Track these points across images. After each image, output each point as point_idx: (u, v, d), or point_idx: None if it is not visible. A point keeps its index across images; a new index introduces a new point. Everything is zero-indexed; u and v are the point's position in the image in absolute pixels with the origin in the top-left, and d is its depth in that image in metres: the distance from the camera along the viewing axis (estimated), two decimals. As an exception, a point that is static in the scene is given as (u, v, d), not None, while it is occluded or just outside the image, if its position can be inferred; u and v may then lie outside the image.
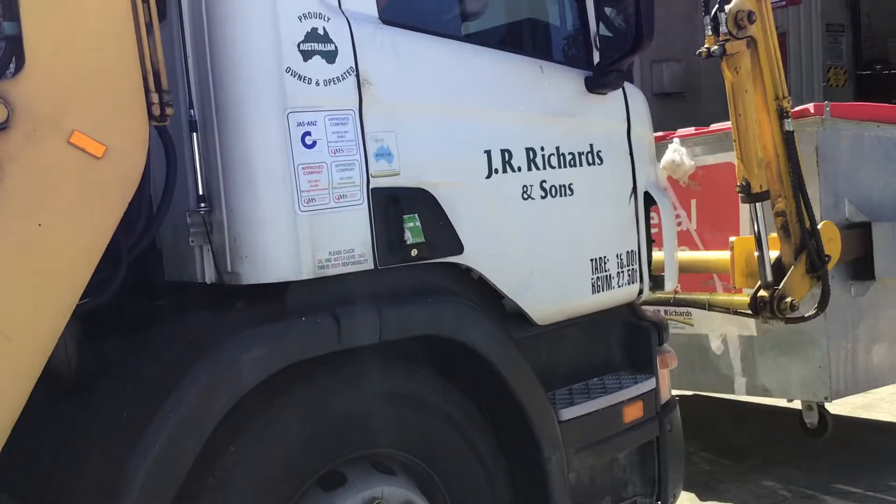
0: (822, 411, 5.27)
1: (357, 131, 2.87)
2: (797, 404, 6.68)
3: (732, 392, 5.48)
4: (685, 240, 5.30)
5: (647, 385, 3.67)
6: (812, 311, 4.56)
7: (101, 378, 2.77)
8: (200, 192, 2.80)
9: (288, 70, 2.74)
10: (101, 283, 2.51)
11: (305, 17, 2.79)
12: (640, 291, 3.76)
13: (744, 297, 4.59)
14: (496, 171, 3.21)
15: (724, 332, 5.27)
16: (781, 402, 6.77)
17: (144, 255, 2.90)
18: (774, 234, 4.51)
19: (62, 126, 2.31)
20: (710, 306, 4.86)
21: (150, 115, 2.50)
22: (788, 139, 4.39)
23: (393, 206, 2.93)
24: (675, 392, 3.98)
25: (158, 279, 3.05)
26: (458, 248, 3.10)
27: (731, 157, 4.86)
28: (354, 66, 2.87)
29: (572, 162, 3.45)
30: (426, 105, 3.06)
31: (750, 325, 5.08)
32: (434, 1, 3.49)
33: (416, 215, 2.97)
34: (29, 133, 2.27)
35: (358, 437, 2.88)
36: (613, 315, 3.74)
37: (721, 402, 7.02)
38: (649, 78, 12.93)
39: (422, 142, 3.02)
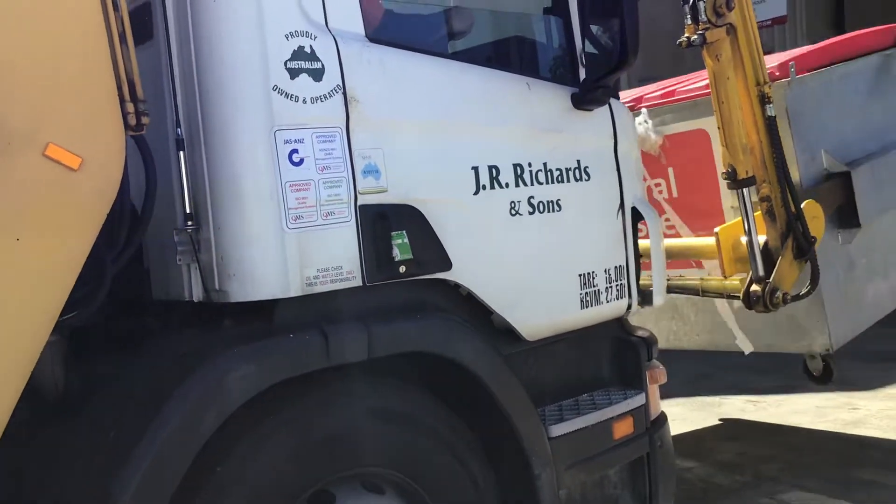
0: (826, 358, 5.27)
1: (344, 148, 2.87)
2: (790, 420, 6.72)
3: (737, 349, 5.44)
4: (665, 210, 5.28)
5: (637, 401, 3.66)
6: (805, 289, 4.57)
7: (89, 397, 2.75)
8: (188, 210, 2.79)
9: (275, 88, 2.75)
10: (85, 296, 2.49)
11: (292, 35, 2.80)
12: (629, 306, 3.77)
13: (735, 281, 4.61)
14: (484, 187, 3.22)
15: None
16: (772, 420, 6.81)
17: (131, 274, 2.90)
18: (758, 213, 4.52)
19: (37, 139, 2.30)
20: (702, 292, 4.88)
21: (126, 125, 2.48)
22: (771, 124, 4.42)
23: (381, 222, 2.93)
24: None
25: (146, 298, 3.04)
26: (447, 264, 3.10)
27: (702, 123, 4.89)
28: (341, 84, 2.88)
29: (560, 178, 3.47)
30: (413, 122, 3.07)
31: None
32: (421, 19, 3.51)
33: (404, 232, 2.98)
34: (3, 147, 2.25)
35: (347, 456, 2.86)
36: (602, 330, 3.74)
37: (713, 418, 7.03)
38: (637, 97, 12.98)
39: (409, 158, 3.03)
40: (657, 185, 5.34)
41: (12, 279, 2.30)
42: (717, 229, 4.65)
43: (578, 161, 3.55)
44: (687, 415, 7.03)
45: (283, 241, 2.76)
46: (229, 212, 2.76)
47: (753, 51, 4.36)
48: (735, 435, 6.59)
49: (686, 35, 4.27)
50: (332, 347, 2.77)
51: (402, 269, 2.97)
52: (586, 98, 3.51)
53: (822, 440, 6.26)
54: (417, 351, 3.04)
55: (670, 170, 5.32)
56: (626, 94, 5.54)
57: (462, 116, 3.23)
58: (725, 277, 4.67)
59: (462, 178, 3.18)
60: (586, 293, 3.54)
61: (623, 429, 3.57)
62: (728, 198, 5.01)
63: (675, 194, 5.36)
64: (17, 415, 2.37)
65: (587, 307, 3.55)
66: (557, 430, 3.34)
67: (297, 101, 2.79)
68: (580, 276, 3.53)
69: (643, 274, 3.91)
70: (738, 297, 4.58)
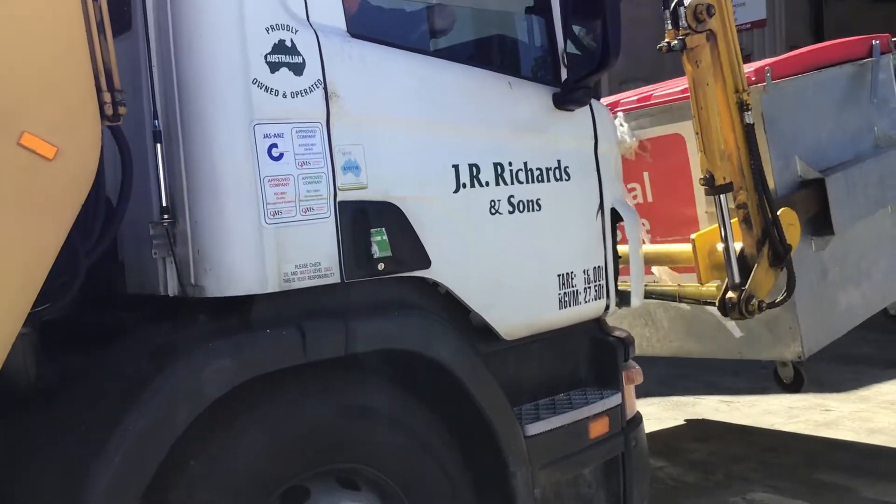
0: (797, 366, 5.32)
1: (324, 144, 2.86)
2: (762, 421, 6.78)
3: (711, 355, 5.48)
4: (641, 213, 5.27)
5: (613, 400, 3.67)
6: (781, 297, 4.61)
7: (61, 390, 2.72)
8: (164, 204, 2.77)
9: (254, 81, 2.73)
10: (59, 287, 2.46)
11: (273, 28, 2.78)
12: (607, 307, 3.78)
13: (712, 288, 4.63)
14: (464, 185, 3.22)
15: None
16: (745, 421, 6.87)
17: (106, 267, 2.87)
18: (734, 220, 4.54)
19: (11, 128, 2.26)
20: (680, 298, 4.91)
21: (103, 115, 2.45)
22: (749, 132, 4.45)
23: (360, 219, 2.92)
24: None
25: (120, 291, 3.01)
26: (426, 262, 3.09)
27: (678, 128, 4.91)
28: (322, 79, 2.86)
29: (540, 177, 3.47)
30: (394, 119, 3.06)
31: None
32: (403, 15, 3.50)
33: (384, 229, 2.96)
34: None
35: (322, 452, 2.85)
36: (580, 330, 3.75)
37: (686, 418, 7.08)
38: (617, 98, 13.04)
39: (390, 155, 3.02)
40: (632, 189, 5.35)
41: None
42: (693, 236, 4.68)
43: (559, 161, 3.55)
44: (661, 414, 7.08)
45: (261, 236, 2.74)
46: (206, 206, 2.73)
47: (733, 58, 4.39)
48: (707, 435, 6.64)
49: (666, 40, 4.30)
50: (309, 343, 2.76)
51: (381, 266, 2.96)
52: (567, 98, 3.51)
53: (794, 441, 6.32)
54: (395, 348, 3.03)
55: (645, 174, 5.36)
56: (603, 100, 5.56)
57: (443, 114, 3.22)
58: (702, 284, 4.70)
59: (442, 175, 3.17)
60: (565, 293, 3.55)
61: (599, 428, 3.58)
62: (703, 203, 5.05)
63: (650, 199, 5.39)
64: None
65: (565, 307, 3.56)
66: (533, 428, 3.34)
67: (277, 95, 2.77)
68: (559, 276, 3.54)
69: (621, 279, 3.92)
70: (713, 304, 4.61)
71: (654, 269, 5.22)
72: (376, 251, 2.94)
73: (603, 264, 3.73)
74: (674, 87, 5.28)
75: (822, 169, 5.06)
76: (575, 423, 3.49)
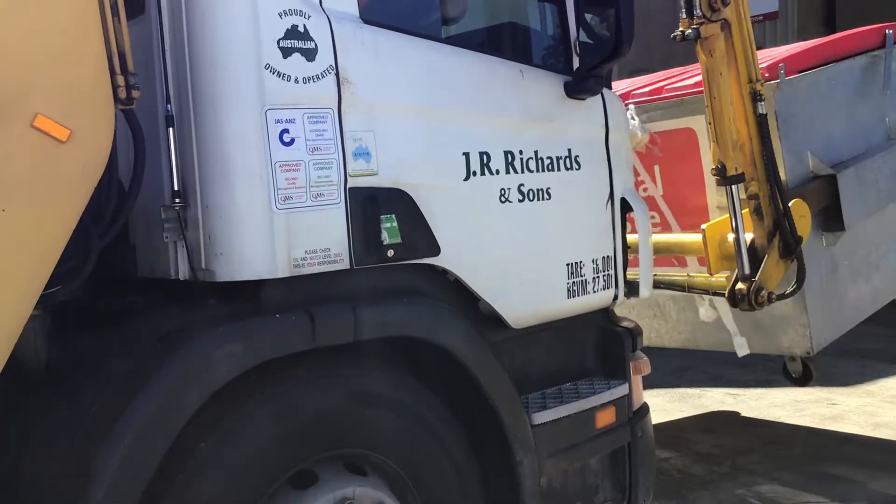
0: (805, 361, 5.31)
1: (336, 130, 2.86)
2: (768, 414, 6.78)
3: (719, 348, 5.46)
4: (651, 206, 5.25)
5: (620, 391, 3.68)
6: (790, 288, 4.60)
7: (72, 373, 2.73)
8: (175, 188, 2.77)
9: (267, 67, 2.73)
10: (71, 270, 2.47)
11: (286, 14, 2.77)
12: (615, 297, 3.78)
13: (721, 279, 4.63)
14: (474, 173, 3.21)
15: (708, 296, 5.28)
16: (751, 413, 6.87)
17: (117, 250, 2.88)
18: (745, 211, 4.53)
19: (25, 110, 2.27)
20: (689, 288, 4.90)
21: (116, 99, 2.45)
22: (762, 122, 4.42)
23: (370, 205, 2.92)
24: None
25: (131, 275, 3.02)
26: (435, 249, 3.09)
27: (689, 122, 4.88)
28: (334, 65, 2.86)
29: (550, 166, 3.47)
30: (406, 105, 3.06)
31: None
32: (415, 2, 3.49)
33: (394, 216, 2.97)
34: None
35: (330, 437, 2.86)
36: (588, 320, 3.75)
37: (692, 410, 7.08)
38: (627, 88, 12.97)
39: (400, 142, 3.02)
40: (643, 181, 5.34)
41: None
42: (704, 226, 4.66)
43: (569, 150, 3.55)
44: (667, 406, 7.08)
45: (272, 221, 2.74)
46: (218, 190, 2.74)
47: (747, 47, 4.36)
48: (713, 427, 6.64)
49: (680, 29, 4.27)
50: (319, 329, 2.77)
51: (391, 253, 2.96)
52: (579, 87, 3.51)
53: (800, 434, 6.32)
54: (403, 335, 3.04)
55: (656, 167, 5.34)
56: (614, 88, 5.54)
57: (454, 101, 3.21)
58: (711, 275, 4.69)
59: (453, 163, 3.17)
60: (573, 282, 3.55)
61: (605, 418, 3.59)
62: (714, 197, 5.03)
63: (660, 191, 5.38)
64: (-1, 387, 2.36)
65: (574, 296, 3.56)
66: (540, 417, 3.35)
67: (289, 80, 2.77)
68: (568, 265, 3.54)
69: (630, 270, 3.91)
70: (723, 295, 4.59)
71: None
72: (386, 238, 2.94)
73: (612, 254, 3.72)
74: (686, 79, 5.25)
75: (835, 163, 5.05)
76: (582, 413, 3.49)
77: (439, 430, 3.11)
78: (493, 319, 3.35)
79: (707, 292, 4.80)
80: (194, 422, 2.55)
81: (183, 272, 2.84)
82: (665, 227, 5.36)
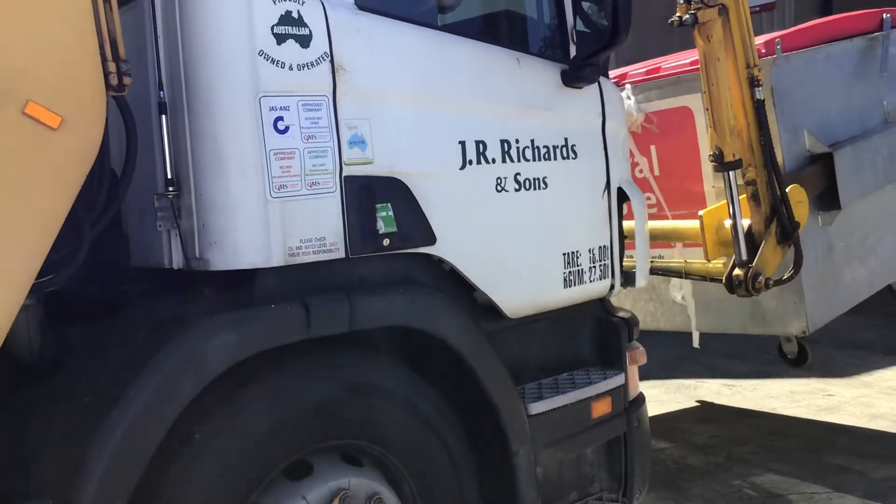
0: (801, 341, 5.30)
1: (330, 118, 2.83)
2: (764, 405, 6.78)
3: (716, 329, 5.46)
4: (646, 188, 5.25)
5: (616, 381, 3.67)
6: (788, 274, 4.59)
7: (65, 363, 2.72)
8: (169, 176, 2.75)
9: (261, 53, 2.70)
10: (63, 259, 2.45)
11: (279, 0, 2.74)
12: (612, 287, 3.77)
13: (718, 265, 4.63)
14: (470, 162, 3.19)
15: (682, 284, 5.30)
16: (747, 404, 6.87)
17: (111, 240, 2.85)
18: (743, 197, 4.52)
19: (16, 96, 2.24)
20: (686, 274, 4.89)
21: (108, 85, 2.43)
22: (759, 108, 4.41)
23: (366, 194, 2.90)
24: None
25: (124, 264, 3.00)
26: (431, 238, 3.07)
27: (686, 100, 4.87)
28: (329, 52, 2.83)
29: (547, 155, 3.45)
30: (401, 93, 3.03)
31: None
32: (411, -11, 3.46)
33: (389, 204, 2.95)
34: None
35: (325, 428, 2.84)
36: (584, 310, 3.74)
37: (688, 401, 7.08)
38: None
39: (396, 130, 2.99)
40: (639, 162, 5.32)
41: None
42: (701, 212, 4.65)
43: (566, 139, 3.53)
44: (662, 396, 7.09)
45: (267, 209, 2.72)
46: (211, 178, 2.71)
47: (745, 32, 4.34)
48: (709, 418, 6.64)
49: (678, 14, 4.25)
50: (314, 319, 2.75)
51: (386, 242, 2.94)
52: (576, 75, 3.49)
53: (796, 425, 6.32)
54: (399, 325, 3.02)
55: (653, 147, 5.31)
56: (610, 72, 5.51)
57: (450, 90, 3.19)
58: (709, 261, 4.68)
59: (449, 152, 3.15)
60: (570, 272, 3.53)
61: (601, 408, 3.58)
62: (710, 178, 5.02)
63: (657, 172, 5.35)
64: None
65: (570, 286, 3.55)
66: (536, 407, 3.34)
67: (283, 67, 2.74)
68: (564, 254, 3.52)
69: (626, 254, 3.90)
70: (720, 281, 4.59)
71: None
72: (381, 227, 2.92)
73: (608, 244, 3.71)
74: (682, 59, 5.23)
75: (831, 143, 5.03)
76: (578, 403, 3.48)
77: (435, 421, 3.09)
78: (489, 309, 3.34)
79: (705, 278, 4.80)
80: (189, 412, 2.53)
81: (177, 261, 2.81)
82: (660, 209, 5.35)
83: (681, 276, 4.93)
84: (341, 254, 2.86)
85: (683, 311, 5.48)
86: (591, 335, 3.80)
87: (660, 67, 5.32)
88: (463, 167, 3.18)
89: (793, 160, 4.88)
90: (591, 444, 3.63)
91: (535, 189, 3.40)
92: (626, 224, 3.89)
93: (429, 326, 3.05)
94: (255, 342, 2.66)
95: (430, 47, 3.16)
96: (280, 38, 2.73)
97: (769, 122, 4.50)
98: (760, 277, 4.43)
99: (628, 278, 3.87)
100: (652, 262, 4.60)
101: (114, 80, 2.44)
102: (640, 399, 3.89)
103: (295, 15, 2.77)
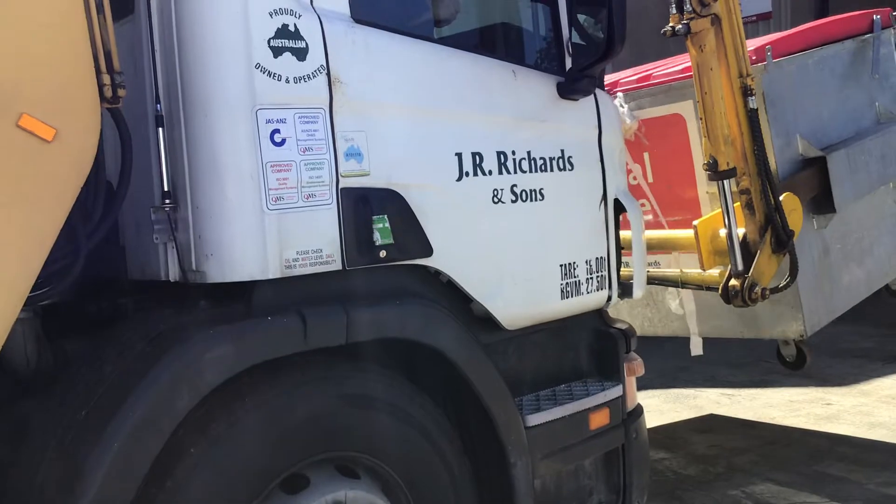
0: (799, 344, 5.30)
1: (327, 130, 2.84)
2: (763, 414, 6.77)
3: (712, 334, 5.46)
4: (640, 194, 5.25)
5: (614, 392, 3.67)
6: (784, 282, 4.59)
7: (61, 376, 2.71)
8: (165, 189, 2.75)
9: (257, 66, 2.71)
10: (60, 271, 2.45)
11: (276, 13, 2.76)
12: (609, 298, 3.77)
13: (714, 274, 4.63)
14: (467, 173, 3.20)
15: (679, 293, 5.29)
16: (746, 414, 6.86)
17: (107, 252, 2.85)
18: (737, 205, 4.52)
19: (10, 109, 2.25)
20: (682, 283, 4.90)
21: (102, 97, 2.43)
22: (752, 117, 4.42)
23: (362, 206, 2.90)
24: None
25: (121, 277, 3.00)
26: (428, 250, 3.08)
27: (677, 107, 4.88)
28: (325, 65, 2.84)
29: (543, 167, 3.45)
30: (397, 105, 3.04)
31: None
32: (407, 2, 3.48)
33: (386, 216, 2.95)
34: None
35: (322, 440, 2.84)
36: (582, 321, 3.74)
37: (687, 411, 7.07)
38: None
39: (392, 142, 3.00)
40: (632, 169, 5.32)
41: None
42: (695, 223, 4.66)
43: (562, 150, 3.53)
44: (661, 407, 7.07)
45: (263, 221, 2.72)
46: (208, 191, 2.72)
47: (737, 42, 4.35)
48: (708, 428, 6.63)
49: (671, 24, 4.26)
50: (310, 331, 2.75)
51: (383, 254, 2.95)
52: (572, 87, 3.50)
53: (795, 435, 6.31)
54: (396, 337, 3.02)
55: (646, 154, 5.31)
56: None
57: (447, 102, 3.20)
58: (704, 270, 4.68)
59: (445, 163, 3.16)
60: (567, 283, 3.53)
61: (599, 420, 3.58)
62: (704, 183, 5.02)
63: (650, 179, 5.36)
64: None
65: (567, 297, 3.55)
66: (534, 419, 3.33)
67: (279, 80, 2.75)
68: (561, 266, 3.52)
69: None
70: (716, 290, 4.59)
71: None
72: (378, 239, 2.92)
73: (605, 255, 3.71)
74: (673, 66, 5.24)
75: (824, 147, 5.02)
76: (576, 415, 3.48)
77: (433, 432, 3.09)
78: (486, 321, 3.34)
79: (701, 287, 4.80)
80: (185, 425, 2.52)
81: (173, 274, 2.82)
82: (655, 216, 5.35)
83: (677, 286, 4.94)
84: (338, 266, 2.86)
85: (680, 318, 5.47)
86: (589, 346, 3.80)
87: (651, 75, 5.33)
88: (459, 179, 3.18)
89: (786, 165, 4.88)
90: (589, 456, 3.62)
91: (531, 200, 3.40)
92: (623, 234, 3.90)
93: (426, 338, 3.05)
94: (251, 354, 2.65)
95: (427, 60, 3.17)
96: (277, 51, 2.74)
97: (762, 127, 4.50)
98: (757, 288, 4.44)
99: (625, 289, 3.87)
100: (649, 271, 4.62)
101: (108, 92, 2.44)
102: (639, 410, 3.88)
103: (291, 28, 2.78)
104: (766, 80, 4.77)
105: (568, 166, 3.56)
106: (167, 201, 2.75)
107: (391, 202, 2.97)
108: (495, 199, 3.29)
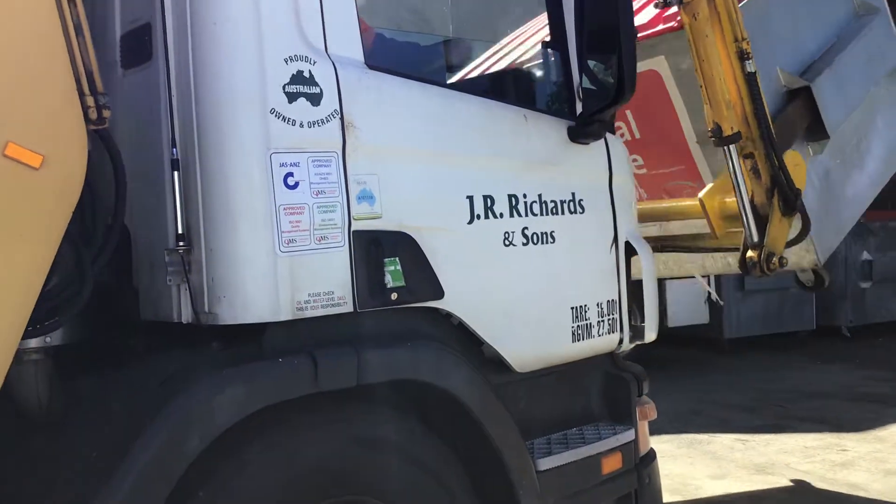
0: (815, 268, 5.22)
1: (340, 173, 2.87)
2: (778, 460, 6.68)
3: (720, 272, 5.35)
4: (632, 150, 4.99)
5: (626, 436, 3.64)
6: (795, 235, 4.51)
7: (72, 416, 2.72)
8: (180, 231, 2.78)
9: (272, 111, 2.75)
10: (67, 300, 2.44)
11: (291, 59, 2.81)
12: (620, 341, 3.76)
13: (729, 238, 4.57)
14: (478, 216, 3.22)
15: None
16: (760, 459, 6.78)
17: (120, 293, 2.88)
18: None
19: None
20: (698, 249, 4.85)
21: (87, 119, 2.41)
22: (751, 80, 4.36)
23: (374, 248, 2.92)
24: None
25: (133, 318, 3.01)
26: (439, 292, 3.09)
27: (651, 64, 4.78)
28: (339, 109, 2.88)
29: (554, 210, 3.47)
30: (410, 149, 3.08)
31: None
32: (419, 48, 3.53)
33: (397, 259, 2.96)
34: None
35: (332, 483, 2.83)
36: (593, 364, 3.72)
37: (701, 456, 6.99)
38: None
39: (404, 185, 3.03)
40: (618, 127, 5.25)
41: None
42: (700, 195, 4.58)
43: (573, 194, 3.56)
44: (675, 451, 7.00)
45: (276, 264, 2.74)
46: (222, 233, 2.75)
47: (730, 7, 4.32)
48: (723, 474, 6.55)
49: None
50: (322, 373, 2.75)
51: (394, 296, 2.96)
52: (583, 132, 3.53)
53: (810, 481, 6.23)
54: (407, 379, 3.02)
55: (628, 113, 5.23)
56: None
57: (458, 145, 3.23)
58: (717, 237, 4.63)
59: (457, 206, 3.18)
60: (578, 326, 3.53)
61: (612, 464, 3.54)
62: (691, 132, 4.93)
63: (637, 136, 5.30)
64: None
65: (579, 340, 3.54)
66: (545, 463, 3.31)
67: (294, 124, 2.79)
68: (572, 308, 3.52)
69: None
70: (735, 250, 4.52)
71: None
72: (390, 281, 2.94)
73: (616, 298, 3.71)
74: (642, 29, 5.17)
75: (807, 65, 4.89)
76: (587, 459, 3.45)
77: (443, 475, 3.07)
78: (497, 363, 3.33)
79: (718, 250, 4.74)
80: (194, 467, 2.52)
81: (186, 315, 2.83)
82: (649, 167, 5.27)
83: (691, 251, 4.87)
84: (349, 308, 2.88)
85: (693, 258, 5.36)
86: (601, 390, 3.78)
87: None
88: (471, 222, 3.20)
89: (771, 101, 4.68)
90: (601, 501, 3.58)
91: (542, 243, 3.42)
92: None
93: (437, 380, 3.05)
94: (262, 396, 2.66)
95: (439, 105, 3.21)
96: (291, 97, 2.79)
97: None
98: (774, 258, 4.37)
99: (637, 332, 3.86)
100: (662, 237, 4.55)
101: (93, 115, 2.42)
102: (651, 455, 3.85)
103: (306, 74, 2.82)
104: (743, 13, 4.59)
105: (579, 209, 3.57)
106: (181, 243, 2.78)
107: (403, 245, 2.99)
108: (506, 242, 3.31)
